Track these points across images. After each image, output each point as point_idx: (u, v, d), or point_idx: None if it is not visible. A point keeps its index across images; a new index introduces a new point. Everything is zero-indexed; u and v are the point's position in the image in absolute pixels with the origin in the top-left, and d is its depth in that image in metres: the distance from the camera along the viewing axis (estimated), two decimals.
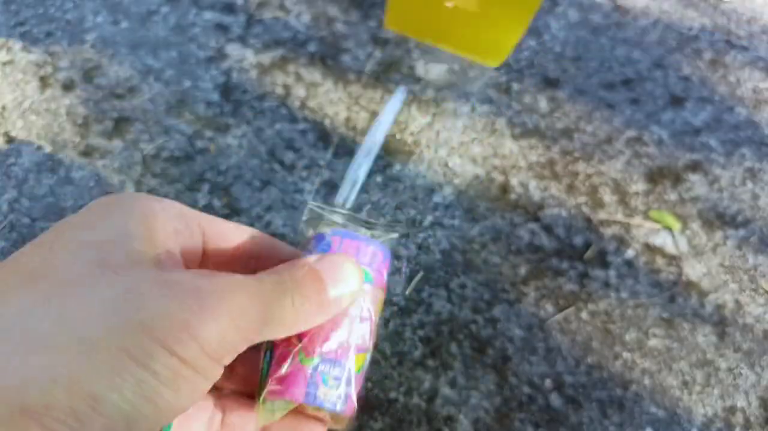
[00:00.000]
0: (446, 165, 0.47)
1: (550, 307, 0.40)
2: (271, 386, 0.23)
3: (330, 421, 0.24)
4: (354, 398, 0.23)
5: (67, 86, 0.50)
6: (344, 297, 0.22)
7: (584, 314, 0.40)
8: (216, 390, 0.24)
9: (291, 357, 0.23)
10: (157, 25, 0.55)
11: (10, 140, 0.47)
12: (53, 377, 0.15)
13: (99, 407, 0.15)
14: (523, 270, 0.42)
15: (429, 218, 0.44)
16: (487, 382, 0.36)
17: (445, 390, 0.35)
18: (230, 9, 0.57)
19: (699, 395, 0.36)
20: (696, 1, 0.62)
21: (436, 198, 0.45)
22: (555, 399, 0.36)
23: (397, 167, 0.47)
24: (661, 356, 0.38)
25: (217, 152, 0.47)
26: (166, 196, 0.45)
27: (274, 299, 0.20)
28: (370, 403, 0.35)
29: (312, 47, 0.55)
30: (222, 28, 0.55)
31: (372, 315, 0.24)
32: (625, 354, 0.38)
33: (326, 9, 0.58)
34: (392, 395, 0.35)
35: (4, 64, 0.52)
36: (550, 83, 0.53)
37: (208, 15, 0.56)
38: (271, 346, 0.24)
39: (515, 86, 0.53)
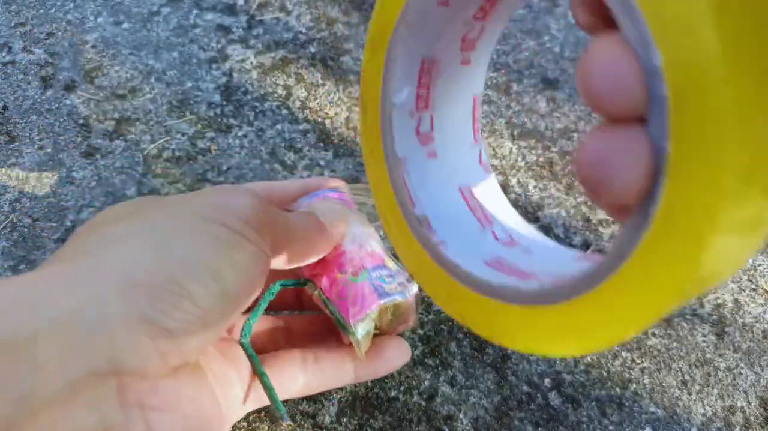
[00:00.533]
0: None
1: None
2: (350, 312, 0.27)
3: (403, 324, 0.27)
4: (411, 283, 0.28)
5: (69, 87, 0.51)
6: (336, 225, 0.27)
7: None
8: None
9: (347, 285, 0.27)
10: (158, 26, 0.55)
11: (11, 140, 0.47)
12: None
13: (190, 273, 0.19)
14: None
15: None
16: (487, 381, 0.36)
17: (445, 389, 0.35)
18: (231, 10, 0.57)
19: (698, 394, 0.36)
20: None
21: None
22: (554, 398, 0.36)
23: None
24: (660, 355, 0.38)
25: (219, 153, 0.47)
26: (167, 196, 0.45)
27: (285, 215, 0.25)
28: (370, 402, 0.35)
29: (313, 48, 0.55)
30: (223, 29, 0.56)
31: (373, 231, 0.29)
32: (624, 353, 0.38)
33: (327, 10, 0.58)
34: (392, 394, 0.35)
35: (5, 64, 0.52)
36: (549, 84, 0.53)
37: (210, 16, 0.57)
38: (326, 298, 0.27)
39: (514, 87, 0.53)
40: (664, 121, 0.13)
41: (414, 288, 0.29)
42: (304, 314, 0.33)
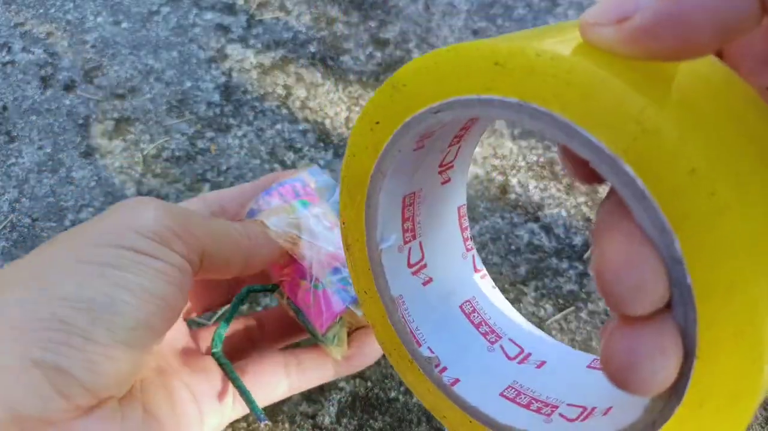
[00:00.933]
0: None
1: (549, 307, 0.40)
2: (317, 321, 0.26)
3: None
4: None
5: (68, 86, 0.51)
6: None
7: (584, 314, 0.40)
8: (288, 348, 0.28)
9: (310, 292, 0.26)
10: (157, 26, 0.55)
11: (10, 139, 0.47)
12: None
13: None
14: (522, 270, 0.42)
15: None
16: None
17: None
18: (231, 9, 0.57)
19: None
20: None
21: None
22: None
23: None
24: None
25: (218, 153, 0.47)
26: (167, 196, 0.45)
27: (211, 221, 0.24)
28: (369, 403, 0.35)
29: (312, 48, 0.55)
30: (223, 28, 0.56)
31: (335, 222, 0.27)
32: None
33: (327, 10, 0.58)
34: (392, 394, 0.35)
35: (5, 64, 0.52)
36: None
37: (209, 15, 0.56)
38: (295, 307, 0.27)
39: None
40: (691, 308, 0.12)
41: None
42: (275, 308, 0.33)
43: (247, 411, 0.27)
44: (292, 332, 0.31)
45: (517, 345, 0.24)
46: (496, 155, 0.48)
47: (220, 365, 0.26)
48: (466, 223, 0.25)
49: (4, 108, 0.49)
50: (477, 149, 0.49)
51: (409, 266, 0.23)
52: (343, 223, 0.21)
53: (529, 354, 0.23)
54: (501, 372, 0.23)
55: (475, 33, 0.57)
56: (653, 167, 0.12)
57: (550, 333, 0.39)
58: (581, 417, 0.19)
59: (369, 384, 0.35)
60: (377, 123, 0.18)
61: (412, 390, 0.24)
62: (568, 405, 0.20)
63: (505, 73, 0.14)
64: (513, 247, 0.43)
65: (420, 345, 0.22)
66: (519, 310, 0.40)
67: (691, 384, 0.13)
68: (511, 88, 0.14)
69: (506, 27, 0.58)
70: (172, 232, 0.21)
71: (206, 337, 0.28)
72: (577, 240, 0.44)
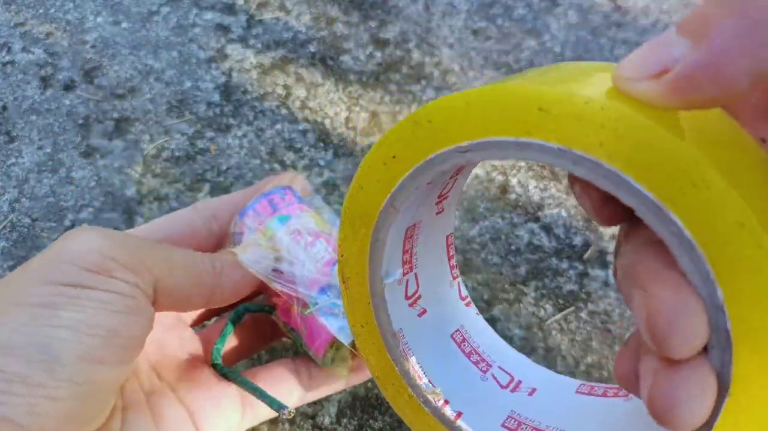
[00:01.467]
0: None
1: (549, 307, 0.40)
2: (312, 347, 0.26)
3: None
4: None
5: (68, 86, 0.51)
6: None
7: (584, 314, 0.40)
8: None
9: (300, 317, 0.25)
10: (157, 26, 0.55)
11: (10, 139, 0.47)
12: None
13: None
14: (522, 270, 0.42)
15: None
16: None
17: None
18: (231, 9, 0.57)
19: None
20: (696, 2, 0.62)
21: None
22: None
23: None
24: None
25: (218, 153, 0.47)
26: (166, 196, 0.46)
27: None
28: (369, 403, 0.35)
29: (312, 48, 0.55)
30: (223, 28, 0.56)
31: (319, 233, 0.26)
32: None
33: (326, 9, 0.58)
34: None
35: (5, 64, 0.52)
36: None
37: (209, 15, 0.56)
38: (291, 329, 0.26)
39: None
40: (728, 351, 0.13)
41: None
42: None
43: (257, 420, 0.27)
44: None
45: (507, 372, 0.24)
46: None
47: (224, 375, 0.26)
48: (452, 251, 0.25)
49: (4, 108, 0.49)
50: None
51: (407, 298, 0.23)
52: (341, 256, 0.21)
53: (520, 382, 0.24)
54: (498, 403, 0.23)
55: (475, 33, 0.57)
56: (702, 218, 0.12)
57: (550, 333, 0.39)
58: None
59: (369, 384, 0.35)
60: (393, 157, 0.18)
61: (410, 425, 0.23)
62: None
63: (550, 119, 0.14)
64: (513, 247, 0.43)
65: (420, 379, 0.22)
66: (519, 310, 0.40)
67: (721, 417, 0.14)
68: (553, 133, 0.14)
69: (506, 27, 0.58)
70: (113, 261, 0.20)
71: (215, 338, 0.28)
72: (577, 240, 0.44)
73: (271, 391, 0.25)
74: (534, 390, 0.23)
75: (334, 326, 0.25)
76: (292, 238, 0.26)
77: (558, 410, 0.22)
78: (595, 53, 0.56)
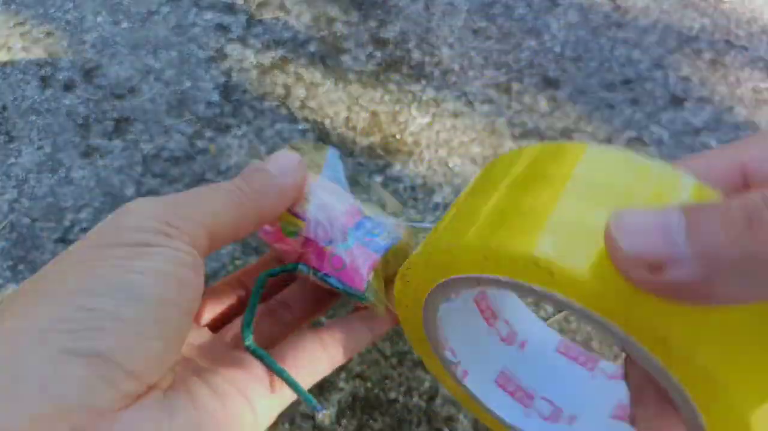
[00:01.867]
0: (446, 165, 0.47)
1: (549, 307, 0.40)
2: (354, 279, 0.26)
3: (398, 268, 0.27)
4: (399, 220, 0.27)
5: (68, 86, 0.51)
6: (289, 170, 0.27)
7: None
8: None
9: (339, 254, 0.26)
10: (157, 26, 0.55)
11: (10, 139, 0.47)
12: None
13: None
14: None
15: (429, 218, 0.44)
16: None
17: (445, 390, 0.35)
18: (230, 9, 0.57)
19: None
20: (696, 1, 0.62)
21: (436, 198, 0.45)
22: None
23: (397, 167, 0.47)
24: None
25: (218, 152, 0.47)
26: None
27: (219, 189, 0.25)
28: (369, 403, 0.35)
29: (312, 47, 0.55)
30: (222, 28, 0.56)
31: (336, 190, 0.28)
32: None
33: (326, 9, 0.58)
34: (392, 395, 0.35)
35: (4, 64, 0.52)
36: (550, 83, 0.53)
37: (209, 15, 0.56)
38: (323, 275, 0.27)
39: (515, 86, 0.53)
40: None
41: (404, 225, 0.29)
42: (294, 285, 0.33)
43: (292, 397, 0.27)
44: (319, 306, 0.30)
45: (508, 323, 0.26)
46: (497, 154, 0.48)
47: (257, 357, 0.25)
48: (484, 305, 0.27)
49: (4, 108, 0.49)
50: (477, 149, 0.49)
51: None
52: (408, 281, 0.23)
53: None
54: (495, 356, 0.25)
55: (475, 33, 0.57)
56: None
57: None
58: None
59: (369, 384, 0.35)
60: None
61: (428, 368, 0.26)
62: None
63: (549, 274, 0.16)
64: None
65: (444, 349, 0.24)
66: None
67: None
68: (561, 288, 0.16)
69: (506, 27, 0.58)
70: (167, 225, 0.22)
71: (228, 333, 0.28)
72: None
73: (299, 365, 0.26)
74: (524, 342, 0.25)
75: (381, 244, 0.26)
76: (319, 187, 0.28)
77: (540, 369, 0.24)
78: (595, 53, 0.56)
